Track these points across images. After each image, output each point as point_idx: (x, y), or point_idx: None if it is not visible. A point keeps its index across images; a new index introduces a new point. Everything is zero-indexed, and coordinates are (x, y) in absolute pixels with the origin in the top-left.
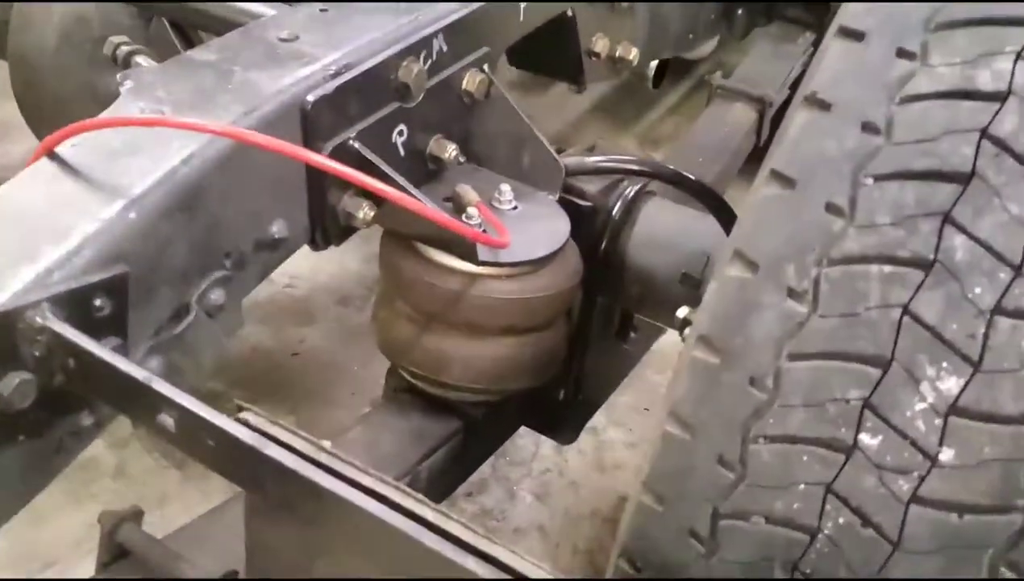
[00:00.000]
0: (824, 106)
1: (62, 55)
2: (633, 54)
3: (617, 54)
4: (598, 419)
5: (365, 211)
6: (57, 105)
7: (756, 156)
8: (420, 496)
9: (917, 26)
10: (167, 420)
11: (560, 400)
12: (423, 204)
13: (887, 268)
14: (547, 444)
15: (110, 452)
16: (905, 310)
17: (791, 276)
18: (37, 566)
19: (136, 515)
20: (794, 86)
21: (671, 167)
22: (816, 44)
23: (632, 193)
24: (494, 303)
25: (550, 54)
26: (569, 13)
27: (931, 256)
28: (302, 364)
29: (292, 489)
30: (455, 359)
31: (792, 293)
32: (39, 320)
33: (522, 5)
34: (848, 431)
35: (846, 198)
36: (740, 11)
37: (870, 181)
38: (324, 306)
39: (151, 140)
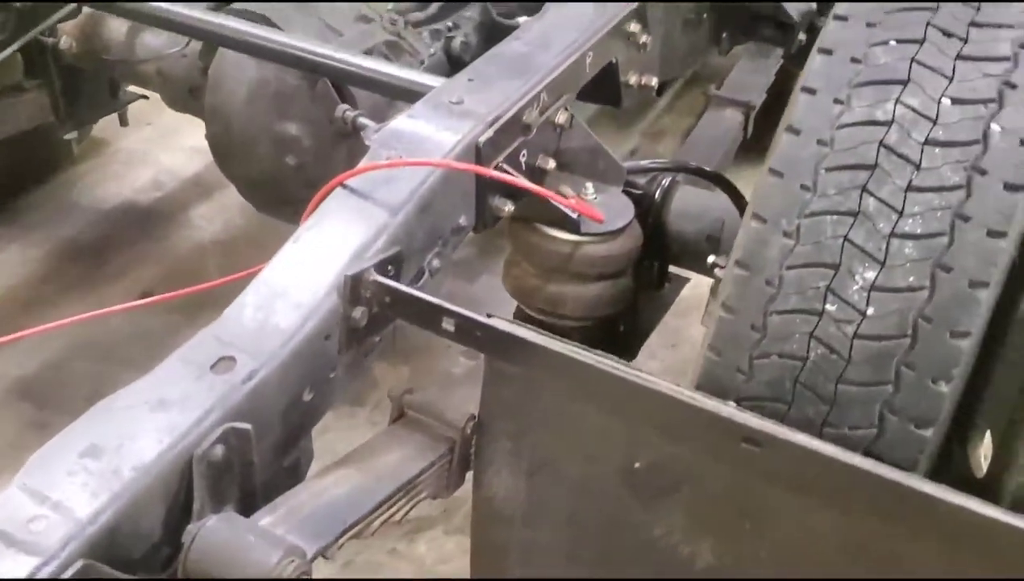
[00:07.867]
0: (796, 132)
1: (249, 108)
2: (655, 81)
3: (643, 82)
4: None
5: (509, 206)
6: (244, 147)
7: (744, 148)
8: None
9: (845, 85)
10: (449, 324)
11: (621, 331)
12: (555, 194)
13: (834, 217)
14: None
15: None
16: (845, 238)
17: (784, 224)
18: None
19: (409, 391)
20: (770, 91)
21: (693, 164)
22: (785, 57)
23: (668, 183)
24: (591, 259)
25: (599, 88)
26: (614, 60)
27: (857, 209)
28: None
29: (524, 353)
30: (568, 298)
31: (785, 233)
32: (368, 277)
33: (587, 62)
34: (818, 303)
35: (811, 181)
36: (725, 35)
37: (823, 172)
38: None
39: (400, 173)
